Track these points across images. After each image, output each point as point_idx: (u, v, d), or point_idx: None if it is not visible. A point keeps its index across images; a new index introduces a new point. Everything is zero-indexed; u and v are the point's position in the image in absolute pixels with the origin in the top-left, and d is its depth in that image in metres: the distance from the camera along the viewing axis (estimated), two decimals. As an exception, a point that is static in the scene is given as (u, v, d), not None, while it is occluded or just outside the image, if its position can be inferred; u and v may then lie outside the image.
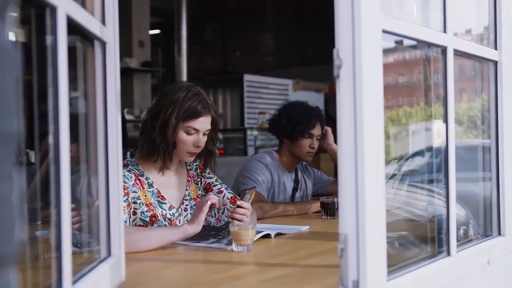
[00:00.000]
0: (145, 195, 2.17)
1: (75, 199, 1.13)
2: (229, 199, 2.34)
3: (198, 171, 2.40)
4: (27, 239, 1.16)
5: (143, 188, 2.18)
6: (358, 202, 1.16)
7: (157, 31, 10.17)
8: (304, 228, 2.34)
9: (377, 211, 1.20)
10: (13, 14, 0.60)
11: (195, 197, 2.35)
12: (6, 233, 0.56)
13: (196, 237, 2.04)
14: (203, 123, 2.19)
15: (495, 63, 1.80)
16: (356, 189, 1.16)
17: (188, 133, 2.18)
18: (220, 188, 2.39)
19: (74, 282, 1.09)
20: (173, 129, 2.15)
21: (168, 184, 2.28)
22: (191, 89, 2.21)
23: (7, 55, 0.56)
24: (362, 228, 1.16)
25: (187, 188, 2.34)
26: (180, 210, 2.28)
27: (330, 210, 2.65)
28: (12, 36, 0.59)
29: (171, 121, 2.13)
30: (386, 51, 1.28)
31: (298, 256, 1.84)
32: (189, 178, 2.36)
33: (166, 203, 2.22)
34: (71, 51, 1.08)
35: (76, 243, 1.33)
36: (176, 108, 2.14)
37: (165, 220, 2.20)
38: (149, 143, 2.19)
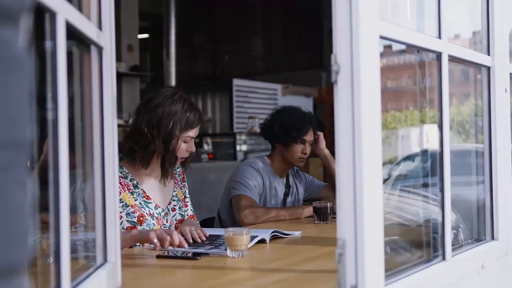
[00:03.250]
0: (129, 197, 2.23)
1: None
2: (188, 216, 2.44)
3: (180, 177, 2.51)
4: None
5: (125, 191, 2.23)
6: (356, 207, 1.16)
7: (145, 35, 10.15)
8: (297, 233, 2.34)
9: (375, 216, 1.20)
10: (27, 21, 0.59)
11: (182, 199, 2.46)
12: (20, 240, 0.56)
13: (193, 244, 2.04)
14: (197, 130, 2.33)
15: (488, 68, 1.82)
16: (354, 195, 1.16)
17: (185, 142, 2.29)
18: (188, 202, 2.51)
19: (72, 289, 1.08)
20: (177, 141, 2.25)
21: (155, 186, 2.34)
22: (184, 99, 2.30)
23: (21, 62, 0.56)
24: (361, 233, 1.16)
25: (175, 189, 2.43)
26: (167, 210, 2.35)
27: (322, 215, 2.65)
28: (25, 42, 0.58)
29: (175, 133, 2.24)
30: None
31: (293, 261, 1.84)
32: (175, 181, 2.45)
33: (151, 203, 2.29)
34: (67, 56, 1.08)
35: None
36: (177, 120, 2.24)
37: (153, 219, 2.26)
38: (150, 154, 2.25)
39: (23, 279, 0.56)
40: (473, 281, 1.67)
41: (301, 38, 9.21)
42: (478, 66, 1.83)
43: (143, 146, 2.24)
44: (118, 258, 1.40)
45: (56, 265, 1.01)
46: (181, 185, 2.49)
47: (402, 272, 1.36)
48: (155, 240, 1.88)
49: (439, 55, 1.52)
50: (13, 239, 0.55)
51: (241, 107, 8.27)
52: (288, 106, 3.18)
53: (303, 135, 2.99)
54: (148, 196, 2.29)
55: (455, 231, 1.81)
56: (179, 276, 1.69)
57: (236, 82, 8.29)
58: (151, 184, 2.33)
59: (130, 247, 2.08)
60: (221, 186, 3.16)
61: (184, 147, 2.29)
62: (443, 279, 1.50)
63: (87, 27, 1.20)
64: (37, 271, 1.34)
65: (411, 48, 1.59)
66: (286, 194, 3.13)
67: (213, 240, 2.12)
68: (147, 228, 2.21)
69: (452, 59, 1.59)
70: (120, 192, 2.19)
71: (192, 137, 2.31)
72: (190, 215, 2.46)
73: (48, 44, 1.02)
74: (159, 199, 2.33)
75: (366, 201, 1.16)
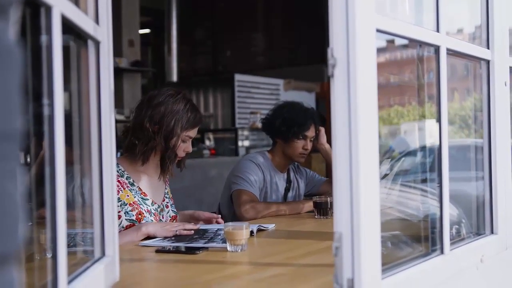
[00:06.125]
0: (127, 195, 2.26)
1: (67, 200, 1.13)
2: (170, 217, 2.44)
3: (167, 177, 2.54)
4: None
5: (124, 188, 2.26)
6: (353, 201, 1.16)
7: (147, 31, 10.15)
8: (271, 226, 2.36)
9: (372, 209, 1.20)
10: (16, 13, 0.60)
11: (171, 197, 2.51)
12: (10, 230, 0.56)
13: (185, 240, 2.03)
14: (196, 131, 2.38)
15: (487, 62, 1.81)
16: (351, 188, 1.16)
17: (183, 141, 2.32)
18: (172, 202, 2.51)
19: (69, 282, 1.09)
20: (177, 139, 2.28)
21: (149, 183, 2.37)
22: (187, 99, 2.34)
23: (10, 55, 0.57)
24: (357, 227, 1.16)
25: (166, 187, 2.48)
26: (162, 206, 2.40)
27: (323, 209, 2.65)
28: (15, 35, 0.59)
29: (176, 132, 2.27)
30: (378, 50, 1.28)
31: (292, 255, 1.85)
32: (166, 179, 2.49)
33: (148, 199, 2.33)
34: (64, 50, 1.08)
35: (69, 243, 1.32)
36: (179, 119, 2.28)
37: (150, 215, 2.29)
38: (150, 149, 2.28)
39: (13, 269, 0.56)
40: (471, 275, 1.67)
41: (302, 33, 9.20)
42: (477, 60, 1.82)
43: (144, 141, 2.26)
44: (116, 252, 1.40)
45: (53, 259, 1.01)
46: (169, 184, 2.54)
47: (400, 266, 1.36)
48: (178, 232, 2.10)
49: (437, 49, 1.52)
50: (3, 229, 0.55)
51: (243, 103, 8.27)
52: (290, 101, 3.17)
53: (304, 131, 2.99)
54: (144, 193, 2.32)
55: (457, 226, 1.81)
56: (177, 270, 1.69)
57: (238, 77, 8.28)
58: (145, 182, 2.36)
59: None
60: (222, 182, 3.16)
61: (182, 146, 2.32)
62: (441, 273, 1.50)
63: (83, 21, 1.20)
64: (36, 265, 1.34)
65: (412, 42, 1.59)
66: (287, 189, 3.13)
67: (202, 234, 2.13)
68: None
69: (451, 52, 1.58)
70: (118, 191, 2.21)
71: (191, 137, 2.34)
72: (173, 215, 2.46)
73: (44, 38, 1.02)
74: (154, 195, 2.37)
75: (362, 194, 1.16)
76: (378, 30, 1.24)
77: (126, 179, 2.29)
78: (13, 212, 0.56)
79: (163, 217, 2.37)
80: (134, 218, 2.23)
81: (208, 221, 2.43)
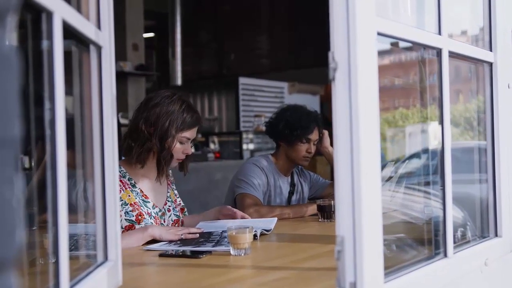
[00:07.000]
0: (129, 195, 2.27)
1: (71, 204, 1.13)
2: (172, 221, 2.44)
3: (172, 180, 2.55)
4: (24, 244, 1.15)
5: (126, 189, 2.27)
6: (354, 204, 1.16)
7: (151, 34, 10.16)
8: (274, 221, 2.39)
9: (374, 213, 1.20)
10: (13, 19, 0.60)
11: (174, 200, 2.49)
12: (8, 236, 0.56)
13: (190, 244, 2.03)
14: (195, 132, 2.36)
15: (490, 64, 1.81)
16: (353, 191, 1.16)
17: (181, 142, 2.32)
18: (175, 206, 2.50)
19: (71, 286, 1.09)
20: (172, 139, 2.27)
21: (151, 186, 2.38)
22: (182, 100, 2.33)
23: (7, 60, 0.57)
24: (359, 230, 1.16)
25: (168, 190, 2.47)
26: (163, 210, 2.40)
27: (326, 213, 2.64)
28: (12, 41, 0.59)
29: (171, 132, 2.27)
30: (382, 53, 1.28)
31: (296, 259, 1.84)
32: (169, 182, 2.49)
33: (149, 202, 2.33)
34: (66, 55, 1.08)
35: (71, 247, 1.32)
36: (174, 120, 2.27)
37: (150, 218, 2.30)
38: (146, 151, 2.28)
39: (11, 275, 0.57)
40: (475, 278, 1.66)
41: (306, 36, 9.18)
42: (480, 62, 1.82)
43: (140, 143, 2.27)
44: (119, 256, 1.40)
45: (55, 263, 1.01)
46: (173, 187, 2.53)
47: (403, 269, 1.36)
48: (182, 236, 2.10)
49: (439, 52, 1.51)
50: (1, 235, 0.55)
51: (247, 106, 8.27)
52: (293, 104, 3.17)
53: (307, 134, 2.98)
54: (146, 195, 2.33)
55: (462, 229, 1.80)
56: (180, 274, 1.69)
57: (242, 80, 8.29)
58: (147, 184, 2.36)
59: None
60: (227, 185, 3.17)
61: (180, 148, 2.31)
62: (444, 276, 1.50)
63: (85, 26, 1.21)
64: (40, 270, 1.34)
65: (414, 45, 1.59)
66: (291, 193, 3.13)
67: (207, 238, 2.13)
68: None
69: (453, 55, 1.58)
70: (120, 191, 2.21)
71: (189, 138, 2.33)
72: (175, 219, 2.46)
73: (45, 43, 1.02)
74: (156, 199, 2.37)
75: (364, 198, 1.16)
76: (379, 33, 1.24)
77: (128, 180, 2.30)
78: (10, 218, 0.57)
79: (164, 221, 2.37)
80: (133, 219, 2.23)
81: (232, 217, 2.45)
